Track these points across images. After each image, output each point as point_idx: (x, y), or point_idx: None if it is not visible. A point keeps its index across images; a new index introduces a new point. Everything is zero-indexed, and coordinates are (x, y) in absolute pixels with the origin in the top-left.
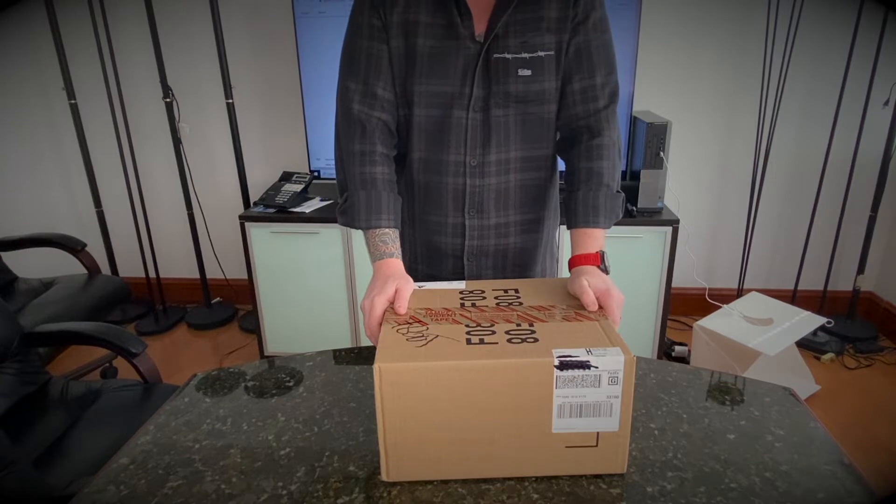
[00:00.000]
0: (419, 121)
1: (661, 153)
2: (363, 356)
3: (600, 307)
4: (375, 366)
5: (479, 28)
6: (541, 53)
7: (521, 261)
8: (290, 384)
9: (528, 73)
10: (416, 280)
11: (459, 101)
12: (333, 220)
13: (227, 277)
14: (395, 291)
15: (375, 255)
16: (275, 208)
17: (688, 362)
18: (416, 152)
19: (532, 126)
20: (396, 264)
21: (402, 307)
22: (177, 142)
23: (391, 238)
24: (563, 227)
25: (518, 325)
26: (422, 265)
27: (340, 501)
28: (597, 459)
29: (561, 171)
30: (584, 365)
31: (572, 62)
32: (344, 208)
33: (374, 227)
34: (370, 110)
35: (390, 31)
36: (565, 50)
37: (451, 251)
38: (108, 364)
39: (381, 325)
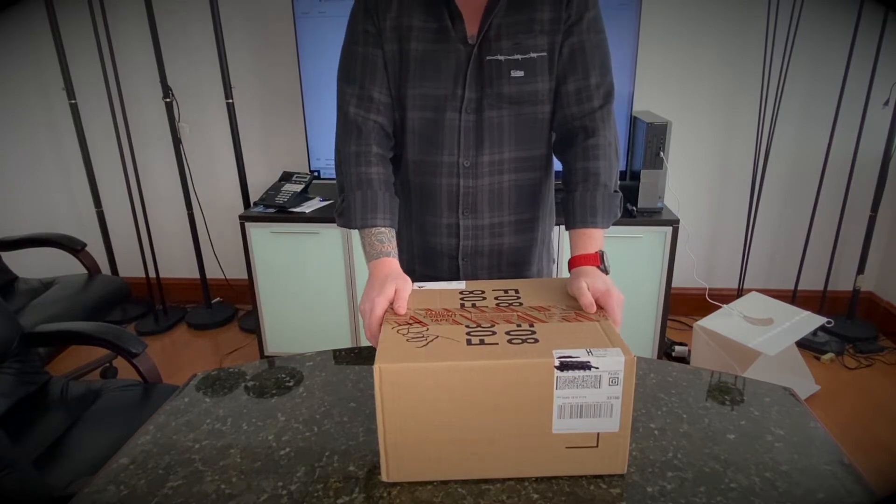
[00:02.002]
0: (413, 123)
1: (661, 153)
2: (363, 356)
3: (601, 307)
4: (375, 366)
5: (472, 30)
6: (533, 55)
7: (516, 260)
8: (290, 384)
9: (520, 74)
10: (413, 281)
11: (452, 103)
12: (333, 221)
13: (227, 277)
14: (395, 292)
15: (371, 255)
16: (275, 208)
17: (688, 362)
18: (410, 154)
19: (526, 127)
20: (393, 263)
21: (402, 307)
22: (177, 142)
23: (387, 237)
24: (562, 228)
25: (518, 325)
26: (418, 266)
27: (340, 501)
28: (597, 460)
29: (557, 172)
30: (584, 365)
31: (567, 63)
32: (341, 209)
33: (370, 227)
34: (366, 113)
35: (384, 35)
36: (559, 51)
37: (447, 251)
38: (108, 364)
39: (381, 326)
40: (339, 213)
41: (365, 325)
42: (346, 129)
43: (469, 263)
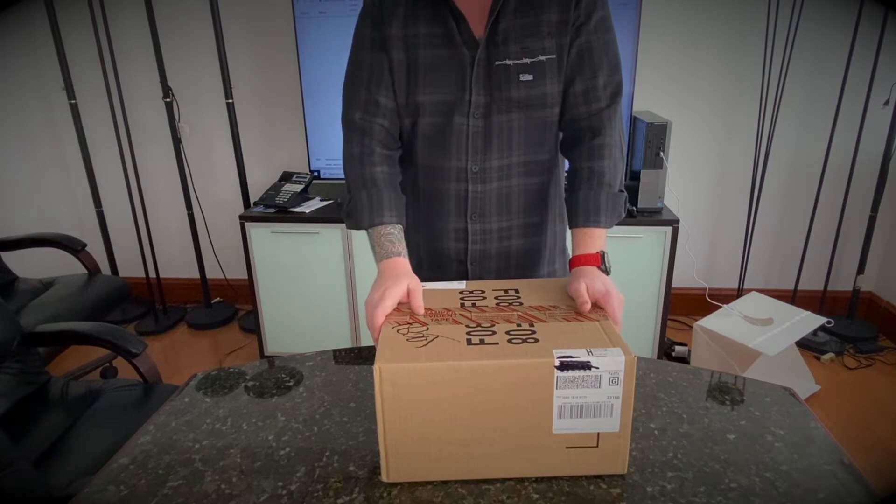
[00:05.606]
0: (423, 129)
1: (661, 153)
2: (363, 356)
3: (601, 308)
4: (375, 366)
5: (479, 32)
6: (542, 58)
7: (524, 263)
8: (290, 384)
9: (529, 77)
10: None
11: (460, 108)
12: (333, 220)
13: (227, 277)
14: (409, 291)
15: (381, 255)
16: (275, 208)
17: (688, 362)
18: (419, 159)
19: (534, 130)
20: (404, 263)
21: (420, 306)
22: (177, 142)
23: (397, 237)
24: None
25: (518, 325)
26: (426, 270)
27: (340, 501)
28: (597, 460)
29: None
30: (584, 365)
31: (574, 64)
32: (348, 210)
33: (378, 225)
34: (372, 118)
35: (391, 43)
36: (567, 52)
37: (455, 255)
38: (108, 364)
39: (383, 324)
40: (347, 214)
41: (367, 318)
42: (352, 132)
43: (477, 267)
